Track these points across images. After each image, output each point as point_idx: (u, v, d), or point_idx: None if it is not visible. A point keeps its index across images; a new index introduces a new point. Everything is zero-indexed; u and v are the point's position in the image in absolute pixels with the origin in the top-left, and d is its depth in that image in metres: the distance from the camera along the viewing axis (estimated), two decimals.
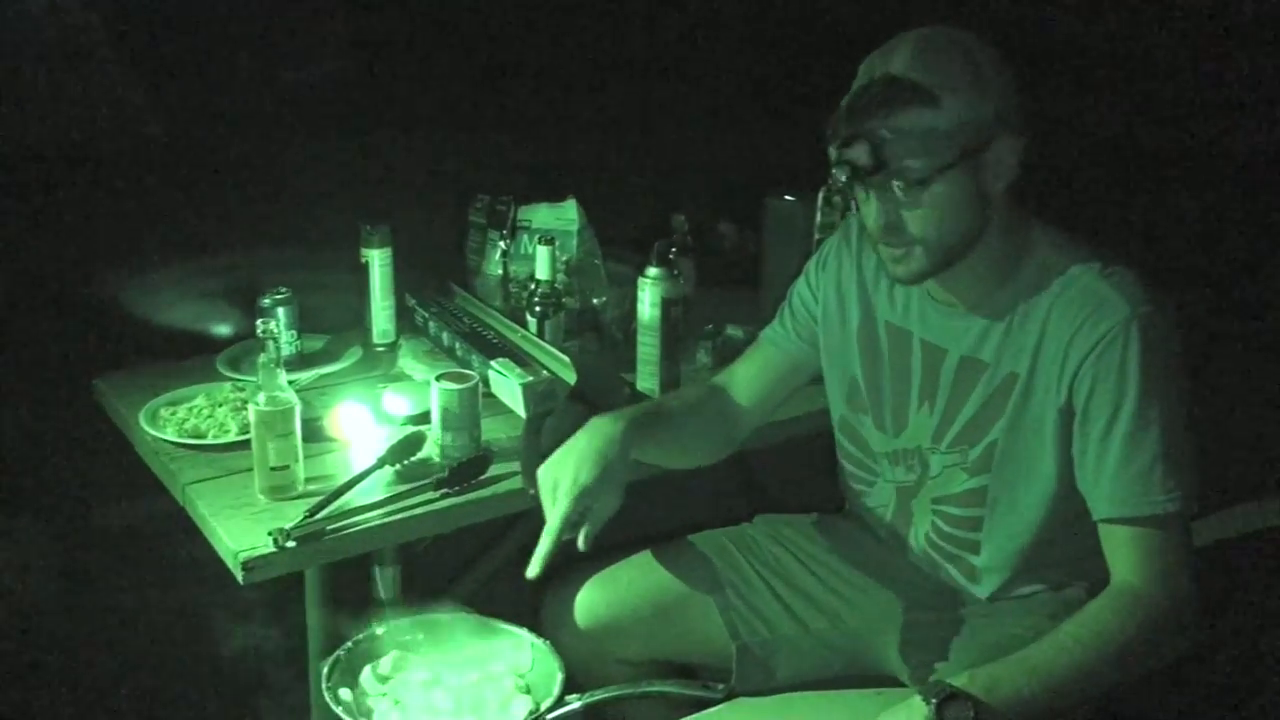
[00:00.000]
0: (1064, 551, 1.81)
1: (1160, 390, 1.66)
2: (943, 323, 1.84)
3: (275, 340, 1.94)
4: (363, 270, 2.49)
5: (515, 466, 2.00)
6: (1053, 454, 1.74)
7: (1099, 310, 1.67)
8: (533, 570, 1.72)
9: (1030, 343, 1.74)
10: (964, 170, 1.67)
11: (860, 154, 1.66)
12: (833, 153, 1.70)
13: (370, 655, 1.74)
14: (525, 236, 2.61)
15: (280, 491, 1.94)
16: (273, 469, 1.93)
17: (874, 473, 1.99)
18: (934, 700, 1.56)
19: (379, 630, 1.78)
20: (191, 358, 2.46)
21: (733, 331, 2.56)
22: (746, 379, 2.08)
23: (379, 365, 2.46)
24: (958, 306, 1.81)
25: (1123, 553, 1.68)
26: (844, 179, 1.69)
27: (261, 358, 1.93)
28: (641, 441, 1.85)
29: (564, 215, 2.60)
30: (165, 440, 2.12)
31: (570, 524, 1.73)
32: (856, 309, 1.95)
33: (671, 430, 1.96)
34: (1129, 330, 1.65)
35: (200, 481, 2.01)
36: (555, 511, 1.73)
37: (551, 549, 1.72)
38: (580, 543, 1.74)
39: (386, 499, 1.93)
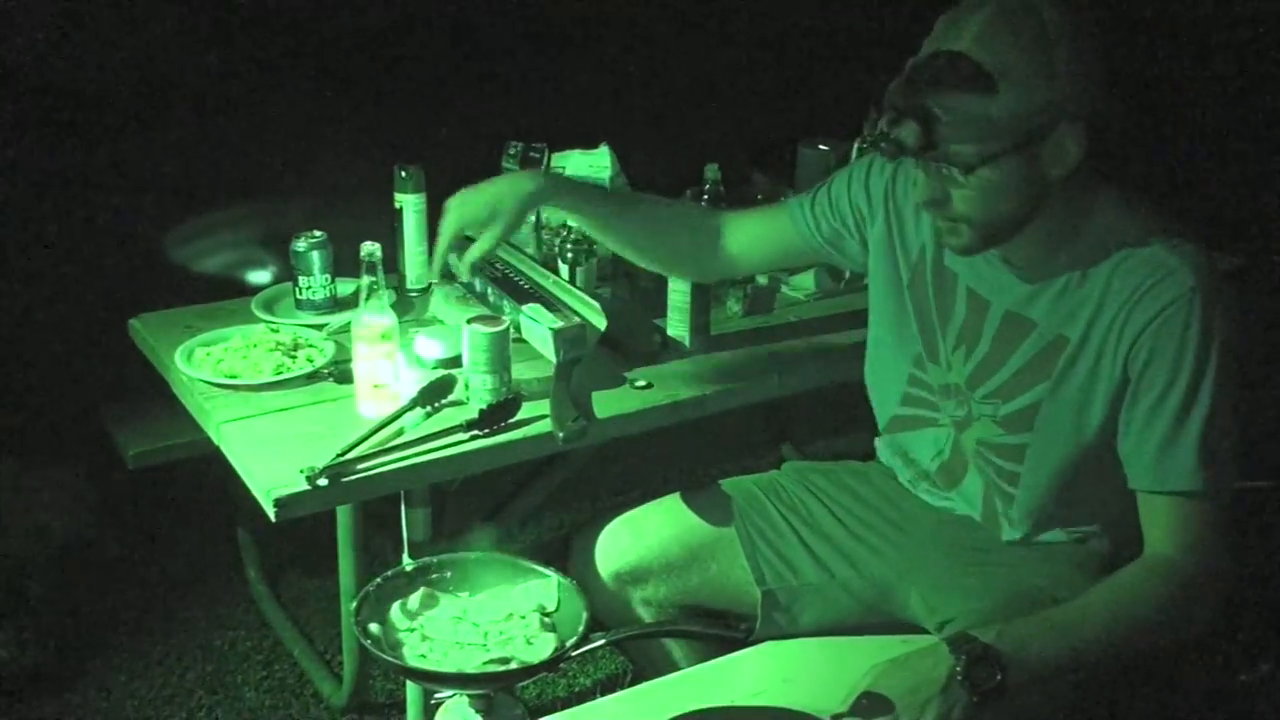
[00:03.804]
0: (1094, 501, 1.81)
1: (1215, 368, 1.62)
2: (992, 275, 1.80)
3: (376, 263, 2.00)
4: (397, 216, 2.50)
5: (545, 410, 2.01)
6: (1099, 419, 1.72)
7: (1164, 280, 1.63)
8: (432, 272, 2.03)
9: (1086, 307, 1.70)
10: (1018, 158, 1.60)
11: (909, 133, 1.59)
12: (883, 125, 1.62)
13: (399, 592, 1.75)
14: None
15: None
16: (375, 388, 2.00)
17: (936, 406, 1.95)
18: (963, 657, 1.55)
19: (408, 568, 1.80)
20: (226, 300, 2.48)
21: (762, 279, 2.56)
22: (749, 229, 2.11)
23: (412, 310, 2.47)
24: (1012, 265, 1.78)
25: (1159, 522, 1.66)
26: (889, 154, 1.63)
27: (364, 280, 1.98)
28: (560, 201, 2.03)
29: (597, 162, 2.60)
30: (201, 380, 2.14)
31: (454, 244, 1.97)
32: (911, 240, 1.92)
33: (628, 218, 2.09)
34: (1193, 303, 1.61)
35: (234, 420, 2.03)
36: (443, 230, 1.97)
37: (440, 256, 1.98)
38: (462, 270, 1.98)
39: (417, 440, 1.95)
